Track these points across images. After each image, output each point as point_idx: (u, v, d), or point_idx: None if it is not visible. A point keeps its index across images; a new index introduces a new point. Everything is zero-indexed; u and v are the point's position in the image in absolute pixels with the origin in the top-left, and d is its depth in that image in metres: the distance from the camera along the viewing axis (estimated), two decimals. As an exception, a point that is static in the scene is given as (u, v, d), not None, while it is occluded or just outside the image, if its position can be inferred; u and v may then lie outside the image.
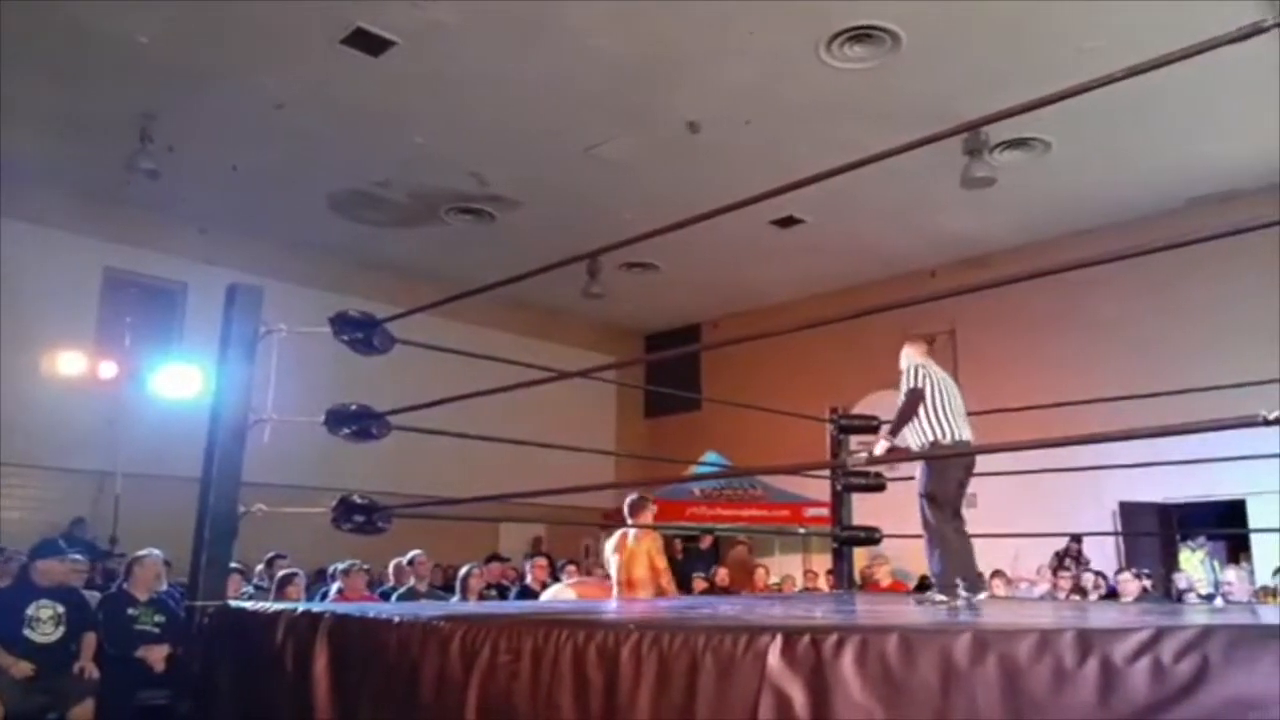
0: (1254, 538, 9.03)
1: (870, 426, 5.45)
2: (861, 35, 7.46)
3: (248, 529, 3.23)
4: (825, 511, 8.62)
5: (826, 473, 5.67)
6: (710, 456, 10.61)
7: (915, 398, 4.37)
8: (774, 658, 1.75)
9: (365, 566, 7.31)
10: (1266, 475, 7.87)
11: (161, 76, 8.14)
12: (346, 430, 3.28)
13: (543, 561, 8.57)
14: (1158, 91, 7.81)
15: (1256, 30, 1.56)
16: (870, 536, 5.34)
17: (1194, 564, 8.00)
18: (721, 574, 9.84)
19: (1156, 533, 10.51)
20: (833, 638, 1.71)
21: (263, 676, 2.78)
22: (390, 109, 8.78)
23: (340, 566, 7.20)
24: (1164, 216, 10.08)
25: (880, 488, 5.35)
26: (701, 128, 8.91)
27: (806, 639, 1.74)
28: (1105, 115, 8.36)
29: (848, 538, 5.29)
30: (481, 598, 7.54)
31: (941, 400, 4.38)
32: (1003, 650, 1.54)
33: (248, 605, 3.19)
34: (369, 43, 7.65)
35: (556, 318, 14.16)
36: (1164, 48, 2.00)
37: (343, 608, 3.15)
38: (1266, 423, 1.51)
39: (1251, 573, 7.75)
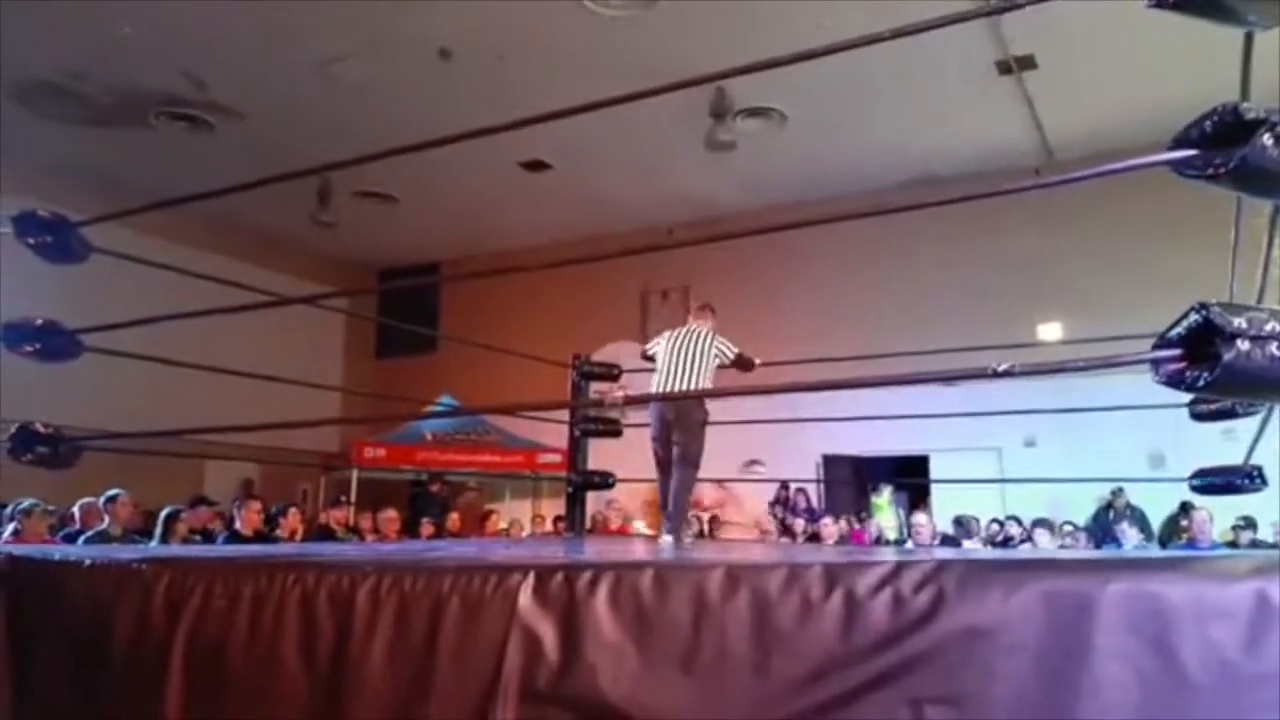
0: (933, 488, 10.21)
1: (611, 375, 5.61)
2: (621, -16, 7.45)
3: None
4: (558, 458, 8.73)
5: (564, 419, 5.68)
6: (445, 400, 10.38)
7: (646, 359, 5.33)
8: (525, 597, 1.68)
9: (51, 509, 6.47)
10: (946, 433, 8.95)
11: None
12: (29, 348, 2.79)
13: (256, 505, 7.96)
14: (879, 80, 8.50)
15: (993, 11, 1.64)
16: (605, 481, 5.42)
17: (884, 510, 8.90)
18: (453, 519, 9.73)
19: (851, 482, 11.61)
20: (587, 575, 1.67)
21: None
22: (93, -10, 7.67)
23: (22, 505, 6.33)
24: (878, 193, 10.95)
25: (617, 433, 5.48)
26: (453, 56, 8.55)
27: (560, 576, 1.68)
28: (834, 96, 8.97)
29: (583, 482, 5.34)
30: (186, 544, 6.94)
31: (663, 359, 5.15)
32: (754, 585, 1.56)
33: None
34: (69, -92, 6.61)
35: (279, 245, 13.14)
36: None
37: (22, 549, 2.73)
38: (996, 374, 1.63)
39: (932, 519, 8.70)
